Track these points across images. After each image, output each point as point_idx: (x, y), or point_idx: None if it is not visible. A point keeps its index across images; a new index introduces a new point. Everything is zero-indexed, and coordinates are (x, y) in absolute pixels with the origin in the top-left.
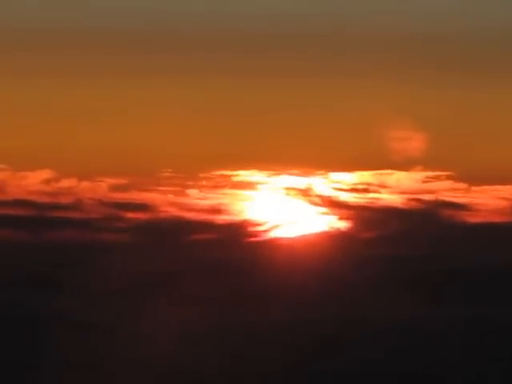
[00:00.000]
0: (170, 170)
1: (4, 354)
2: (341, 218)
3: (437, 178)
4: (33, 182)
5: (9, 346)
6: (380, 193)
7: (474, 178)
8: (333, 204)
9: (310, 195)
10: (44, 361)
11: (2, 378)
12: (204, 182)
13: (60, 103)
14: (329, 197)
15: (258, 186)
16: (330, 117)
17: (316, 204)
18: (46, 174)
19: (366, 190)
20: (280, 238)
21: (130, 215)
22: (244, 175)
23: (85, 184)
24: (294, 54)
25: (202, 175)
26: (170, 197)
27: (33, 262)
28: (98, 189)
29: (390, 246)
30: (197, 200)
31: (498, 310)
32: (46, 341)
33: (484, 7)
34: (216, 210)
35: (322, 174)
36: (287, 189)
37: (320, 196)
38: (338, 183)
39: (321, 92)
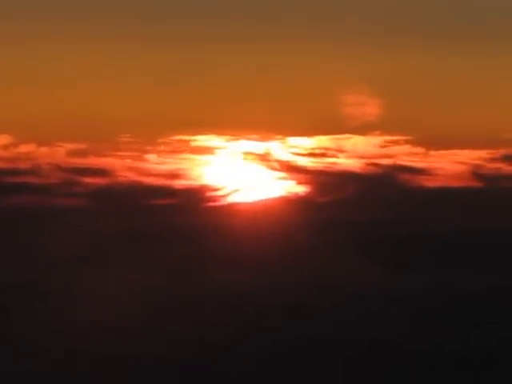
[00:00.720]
0: (128, 135)
1: None
2: (299, 183)
3: (395, 142)
4: None
5: None
6: (338, 157)
7: (432, 143)
8: (291, 169)
9: (268, 160)
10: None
11: None
12: (162, 147)
13: (18, 68)
14: (287, 161)
15: (217, 150)
16: (288, 82)
17: (274, 169)
18: (4, 139)
19: (323, 155)
20: (238, 203)
21: (89, 180)
22: (202, 140)
23: (43, 149)
24: (251, 19)
25: (160, 140)
26: (128, 162)
27: None
28: (57, 154)
29: (347, 211)
30: (155, 165)
31: (457, 274)
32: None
33: None
34: (174, 175)
35: (280, 139)
36: (245, 153)
37: (278, 161)
38: (296, 148)
39: (279, 57)
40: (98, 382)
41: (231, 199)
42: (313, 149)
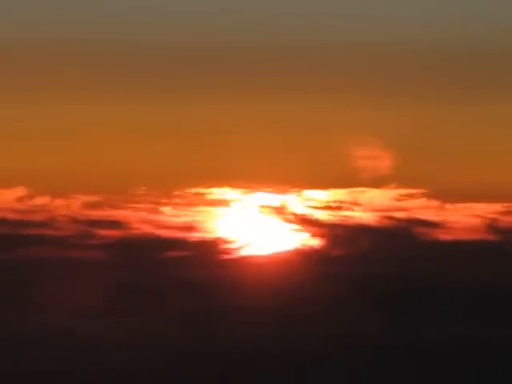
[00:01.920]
0: (143, 188)
1: None
2: (314, 236)
3: (410, 195)
4: (6, 199)
5: None
6: (353, 210)
7: (448, 196)
8: (306, 221)
9: (283, 213)
10: None
11: None
12: (178, 200)
13: (34, 120)
14: (302, 214)
15: (232, 203)
16: (304, 135)
17: (290, 221)
18: (19, 191)
19: (339, 208)
20: (253, 256)
21: (103, 232)
22: (218, 193)
23: (58, 201)
24: (264, 71)
25: (175, 193)
26: (144, 214)
27: (5, 280)
28: (72, 206)
29: (362, 264)
30: (170, 217)
31: (473, 326)
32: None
33: (451, 18)
34: (189, 228)
35: (295, 192)
36: (261, 206)
37: (293, 213)
38: (311, 201)
39: (295, 111)
40: None
41: (245, 252)
42: (328, 202)
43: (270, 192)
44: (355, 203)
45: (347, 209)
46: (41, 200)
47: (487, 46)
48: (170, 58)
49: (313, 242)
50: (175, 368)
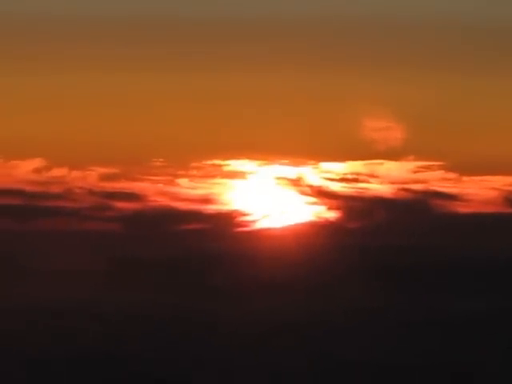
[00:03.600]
0: (160, 160)
1: None
2: (330, 208)
3: (428, 168)
4: (24, 171)
5: None
6: (370, 182)
7: (465, 168)
8: (322, 194)
9: (300, 185)
10: None
11: None
12: (195, 172)
13: (52, 93)
14: (318, 187)
15: (249, 175)
16: (322, 107)
17: (306, 194)
18: (37, 163)
19: (355, 180)
20: (268, 228)
21: (120, 204)
22: (235, 165)
23: (75, 173)
24: (286, 45)
25: (192, 165)
26: (160, 186)
27: (22, 251)
28: (89, 178)
29: (378, 236)
30: (187, 189)
31: (483, 298)
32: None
33: None
34: (206, 200)
35: (312, 164)
36: (278, 178)
37: (310, 186)
38: (328, 173)
39: (313, 83)
40: None
41: (262, 224)
42: (345, 174)
43: (286, 164)
44: (372, 175)
45: (364, 181)
46: (58, 172)
47: (509, 19)
48: (189, 30)
49: (329, 214)
50: (185, 338)
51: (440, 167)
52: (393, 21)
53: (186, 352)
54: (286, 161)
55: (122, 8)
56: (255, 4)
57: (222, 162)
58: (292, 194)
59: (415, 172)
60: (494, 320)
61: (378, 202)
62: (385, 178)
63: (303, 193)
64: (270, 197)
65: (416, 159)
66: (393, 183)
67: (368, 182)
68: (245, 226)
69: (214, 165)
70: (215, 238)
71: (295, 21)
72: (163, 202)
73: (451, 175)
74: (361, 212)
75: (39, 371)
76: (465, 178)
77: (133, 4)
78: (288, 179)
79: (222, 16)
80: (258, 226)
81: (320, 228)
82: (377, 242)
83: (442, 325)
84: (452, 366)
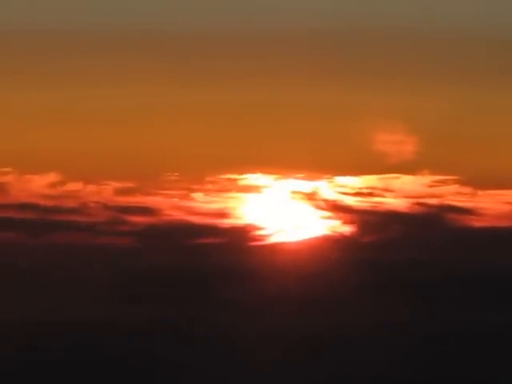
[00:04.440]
0: (175, 174)
1: None
2: (344, 222)
3: (443, 182)
4: (38, 186)
5: None
6: (385, 197)
7: (480, 183)
8: (337, 208)
9: (315, 199)
10: None
11: None
12: (210, 186)
13: (66, 106)
14: (333, 201)
15: (264, 189)
16: (336, 121)
17: (321, 208)
18: (51, 177)
19: (370, 194)
20: (283, 243)
21: (135, 219)
22: (250, 179)
23: (90, 187)
24: (300, 58)
25: (207, 179)
26: (175, 200)
27: (36, 265)
28: (103, 192)
29: (392, 251)
30: (202, 204)
31: (498, 313)
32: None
33: (483, 7)
34: (221, 214)
35: (327, 178)
36: (293, 192)
37: (325, 200)
38: (343, 187)
39: (327, 96)
40: None
41: (276, 238)
42: (360, 188)
43: (301, 178)
44: (387, 189)
45: (379, 195)
46: (72, 186)
47: None
48: (203, 44)
49: (343, 228)
50: (200, 351)
51: (455, 181)
52: (407, 33)
53: (201, 366)
54: (301, 175)
55: (137, 21)
56: (269, 17)
57: (237, 176)
58: (307, 208)
59: (430, 186)
60: (510, 334)
61: (393, 217)
62: (400, 192)
63: (318, 207)
64: (285, 211)
65: (431, 173)
66: (408, 197)
67: (383, 196)
68: (260, 240)
69: (229, 179)
70: (230, 252)
71: (309, 34)
72: (178, 216)
73: (466, 189)
74: (375, 226)
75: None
76: (480, 193)
77: (148, 17)
78: (303, 193)
79: (235, 29)
80: (273, 240)
81: (335, 242)
82: (391, 257)
83: (457, 339)
84: (466, 380)
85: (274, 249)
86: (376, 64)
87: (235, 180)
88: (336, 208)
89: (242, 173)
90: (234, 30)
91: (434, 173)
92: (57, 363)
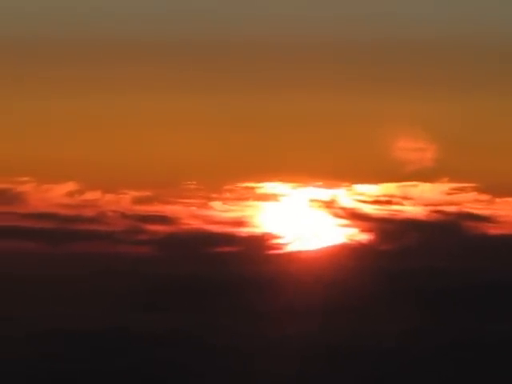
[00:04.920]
0: (193, 183)
1: None
2: (362, 231)
3: (461, 189)
4: (57, 195)
5: None
6: (403, 205)
7: (498, 190)
8: (355, 216)
9: (333, 207)
10: None
11: None
12: (228, 195)
13: (84, 116)
14: (352, 209)
15: (282, 197)
16: (355, 129)
17: (339, 216)
18: (70, 186)
19: (389, 202)
20: (301, 251)
21: (153, 227)
22: (268, 187)
23: (108, 196)
24: (319, 67)
25: (226, 187)
26: (193, 209)
27: (56, 275)
28: (122, 201)
29: (410, 259)
30: (220, 212)
31: None
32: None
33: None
34: (239, 223)
35: (346, 186)
36: (311, 201)
37: (343, 208)
38: (361, 195)
39: (346, 105)
40: None
41: (294, 247)
42: (378, 196)
43: (320, 186)
44: (405, 197)
45: (397, 203)
46: (91, 195)
47: None
48: (219, 52)
49: (362, 236)
50: (218, 359)
51: (473, 189)
52: (426, 41)
53: (217, 374)
54: (320, 183)
55: (152, 30)
56: (289, 27)
57: (254, 185)
58: (325, 216)
59: (449, 194)
60: None
61: (411, 225)
62: (418, 200)
63: (336, 215)
64: (303, 219)
65: (450, 181)
66: (426, 205)
67: (401, 204)
68: (278, 248)
69: (246, 187)
70: (248, 261)
71: (326, 43)
72: (196, 224)
73: (484, 197)
74: (394, 234)
75: None
76: (498, 200)
77: (165, 26)
78: (321, 201)
79: (252, 40)
80: (291, 248)
81: (353, 250)
82: (410, 265)
83: (474, 347)
84: None
85: (292, 257)
86: (393, 73)
87: (253, 188)
88: (354, 216)
89: (259, 181)
90: (249, 40)
91: (452, 180)
92: (75, 371)
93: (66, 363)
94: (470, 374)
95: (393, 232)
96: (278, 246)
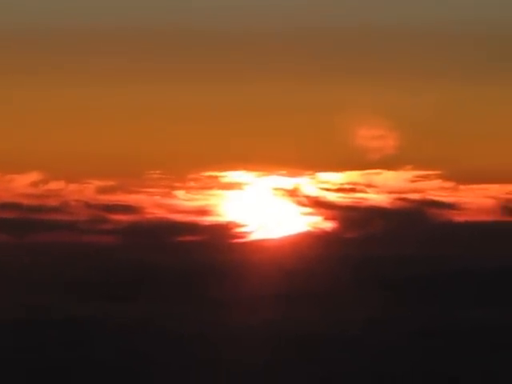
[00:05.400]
0: (157, 172)
1: None
2: (326, 219)
3: (425, 177)
4: (21, 185)
5: None
6: (367, 192)
7: (462, 177)
8: (319, 204)
9: (297, 195)
10: None
11: None
12: (192, 183)
13: (49, 106)
14: (315, 197)
15: (246, 186)
16: (318, 118)
17: (303, 204)
18: (34, 176)
19: (352, 190)
20: (264, 239)
21: (117, 217)
22: (232, 176)
23: (72, 186)
24: (282, 58)
25: (189, 176)
26: (157, 198)
27: (19, 264)
28: (86, 191)
29: (374, 247)
30: (183, 201)
31: (481, 306)
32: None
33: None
34: (202, 212)
35: (309, 175)
36: (275, 189)
37: (307, 196)
38: (325, 183)
39: (309, 94)
40: None
41: (258, 235)
42: (342, 184)
43: (283, 175)
44: (369, 185)
45: (361, 191)
46: (55, 185)
47: (500, 29)
48: (187, 42)
49: (326, 224)
50: (182, 349)
51: (437, 176)
52: (387, 30)
53: (180, 363)
54: (283, 172)
55: (125, 19)
56: (255, 17)
57: (218, 174)
58: (289, 204)
59: (413, 181)
60: (491, 327)
61: (376, 212)
62: (382, 187)
63: (300, 203)
64: (267, 208)
65: (413, 169)
66: (390, 193)
67: (365, 191)
68: (241, 237)
69: (210, 176)
70: (212, 250)
71: (292, 33)
72: (160, 214)
73: (448, 184)
74: (358, 222)
75: None
76: (462, 187)
77: (132, 15)
78: (285, 190)
79: (221, 28)
80: (255, 236)
81: (317, 238)
82: (374, 252)
83: (440, 334)
84: (452, 375)
85: (257, 245)
86: (356, 62)
87: (217, 177)
88: (318, 204)
89: (223, 170)
90: (217, 28)
91: (416, 168)
92: (43, 361)
93: (28, 353)
94: (438, 362)
95: (357, 220)
96: (242, 235)
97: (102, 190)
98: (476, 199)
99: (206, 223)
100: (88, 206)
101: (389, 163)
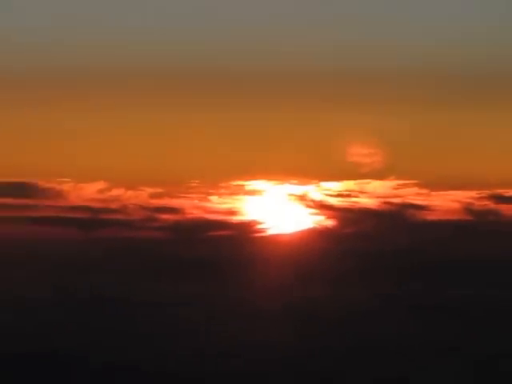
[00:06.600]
0: (196, 181)
1: None
2: (328, 218)
3: (405, 185)
4: (89, 192)
5: None
6: (360, 197)
7: (434, 185)
8: (322, 206)
9: (305, 200)
10: None
11: None
12: (223, 190)
13: (112, 130)
14: (319, 201)
15: (265, 192)
16: (323, 139)
17: (310, 207)
18: (100, 185)
19: (349, 195)
20: (279, 234)
21: (164, 216)
22: (254, 184)
23: (130, 193)
24: (297, 88)
25: (221, 185)
26: (196, 202)
27: (88, 255)
28: (140, 196)
29: (364, 239)
30: (216, 204)
31: (452, 288)
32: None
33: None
34: (231, 212)
35: (315, 183)
36: (288, 195)
37: (313, 200)
38: (327, 190)
39: (316, 122)
40: None
41: (274, 231)
42: (340, 191)
43: (295, 184)
44: (361, 192)
45: (355, 196)
46: (116, 191)
47: (467, 68)
48: (220, 78)
49: (327, 222)
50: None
51: (414, 185)
52: (375, 72)
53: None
54: (295, 181)
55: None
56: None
57: (244, 183)
58: (299, 207)
59: (395, 189)
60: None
61: (366, 213)
62: (371, 193)
63: (308, 206)
64: (282, 209)
65: (396, 178)
66: (377, 198)
67: (358, 197)
68: (262, 232)
69: (237, 185)
70: (238, 242)
71: (302, 73)
72: (198, 214)
73: (423, 191)
74: (353, 221)
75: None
76: (434, 193)
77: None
78: (296, 195)
79: (245, 66)
80: (272, 232)
81: (320, 233)
82: (365, 244)
83: (410, 308)
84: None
85: (273, 239)
86: (352, 97)
87: (243, 185)
88: (321, 206)
89: (248, 180)
90: (236, 58)
91: (398, 178)
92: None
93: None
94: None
95: (352, 219)
96: (262, 230)
97: (153, 196)
98: (444, 203)
99: (234, 221)
100: (142, 208)
101: (376, 174)
